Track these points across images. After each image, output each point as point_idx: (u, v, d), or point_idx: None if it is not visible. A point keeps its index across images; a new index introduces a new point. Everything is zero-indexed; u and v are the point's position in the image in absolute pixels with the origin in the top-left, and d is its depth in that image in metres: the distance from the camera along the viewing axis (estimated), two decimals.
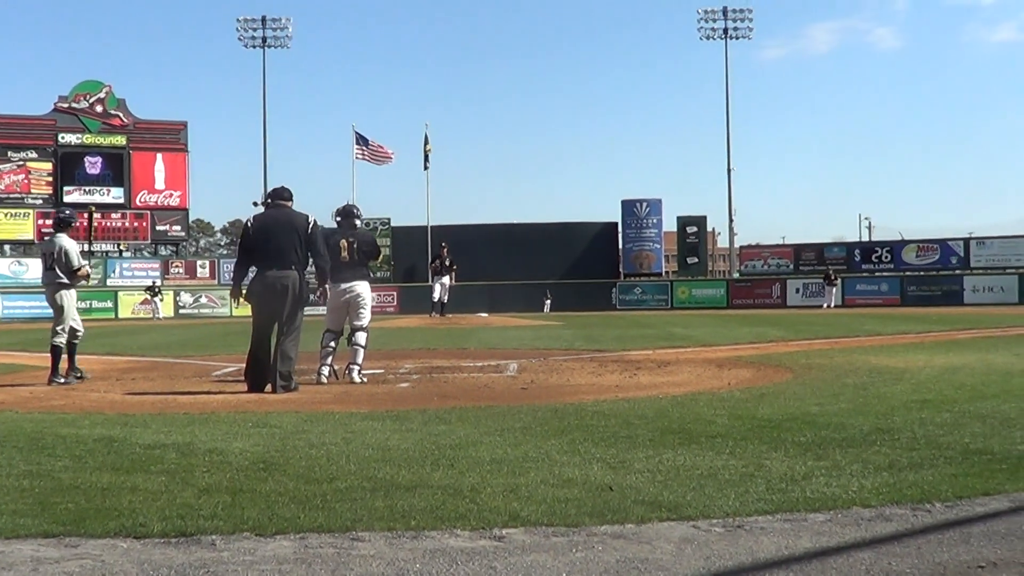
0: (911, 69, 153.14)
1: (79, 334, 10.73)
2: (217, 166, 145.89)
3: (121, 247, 47.46)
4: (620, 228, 48.11)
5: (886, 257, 45.27)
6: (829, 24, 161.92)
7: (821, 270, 43.60)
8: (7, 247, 46.49)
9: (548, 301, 42.85)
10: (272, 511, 4.25)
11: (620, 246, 48.15)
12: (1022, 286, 40.76)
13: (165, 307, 42.90)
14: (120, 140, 47.41)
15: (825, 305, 39.96)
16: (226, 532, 3.96)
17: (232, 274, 9.99)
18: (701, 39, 51.32)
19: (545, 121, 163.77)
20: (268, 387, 9.08)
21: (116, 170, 47.22)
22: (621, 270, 48.04)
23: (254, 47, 51.61)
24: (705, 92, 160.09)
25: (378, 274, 41.74)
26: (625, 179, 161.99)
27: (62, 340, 10.49)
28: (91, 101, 47.03)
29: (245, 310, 9.69)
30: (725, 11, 50.75)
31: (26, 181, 46.10)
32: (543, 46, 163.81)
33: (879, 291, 43.04)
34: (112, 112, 47.36)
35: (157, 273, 45.78)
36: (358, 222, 10.63)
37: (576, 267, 46.37)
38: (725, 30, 50.83)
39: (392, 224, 47.28)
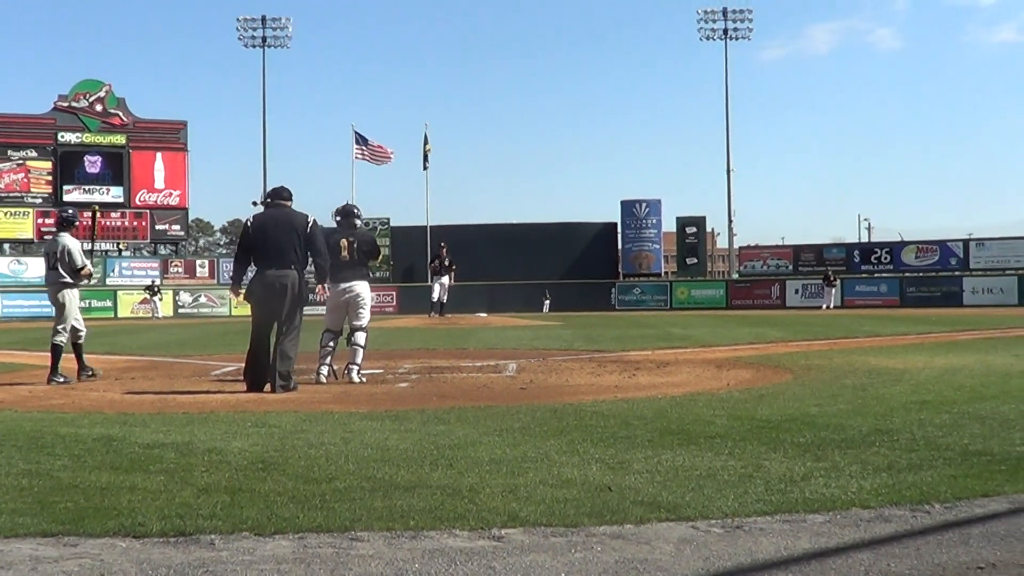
0: (911, 70, 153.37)
1: (80, 334, 10.74)
2: (217, 166, 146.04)
3: (120, 246, 47.44)
4: (619, 228, 48.10)
5: (885, 258, 45.28)
6: (829, 24, 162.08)
7: (820, 271, 43.60)
8: (7, 246, 46.43)
9: (547, 301, 42.85)
10: (271, 511, 4.25)
11: (619, 246, 48.15)
12: (1021, 287, 40.77)
13: (164, 306, 42.87)
14: (120, 139, 47.38)
15: (824, 306, 39.97)
16: (225, 532, 3.96)
17: (231, 273, 10.00)
18: (701, 39, 51.40)
19: (545, 121, 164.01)
20: (267, 387, 9.08)
21: (116, 169, 47.18)
22: (620, 270, 48.04)
23: (254, 47, 51.65)
24: (705, 92, 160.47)
25: (377, 274, 41.72)
26: (624, 179, 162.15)
27: (63, 339, 10.50)
28: (91, 100, 47.00)
29: (244, 310, 9.70)
30: (725, 12, 50.76)
31: (26, 180, 46.07)
32: (543, 46, 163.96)
33: (878, 292, 43.05)
34: (112, 111, 47.32)
35: (156, 272, 45.76)
36: (358, 222, 10.64)
37: (575, 267, 46.37)
38: (725, 31, 50.84)
39: (391, 224, 47.28)
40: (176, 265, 46.98)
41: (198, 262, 48.41)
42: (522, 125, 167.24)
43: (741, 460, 5.33)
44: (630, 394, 8.65)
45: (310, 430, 6.55)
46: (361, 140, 46.44)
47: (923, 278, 43.64)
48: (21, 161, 46.01)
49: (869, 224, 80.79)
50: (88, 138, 46.90)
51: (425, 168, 47.95)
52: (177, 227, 48.71)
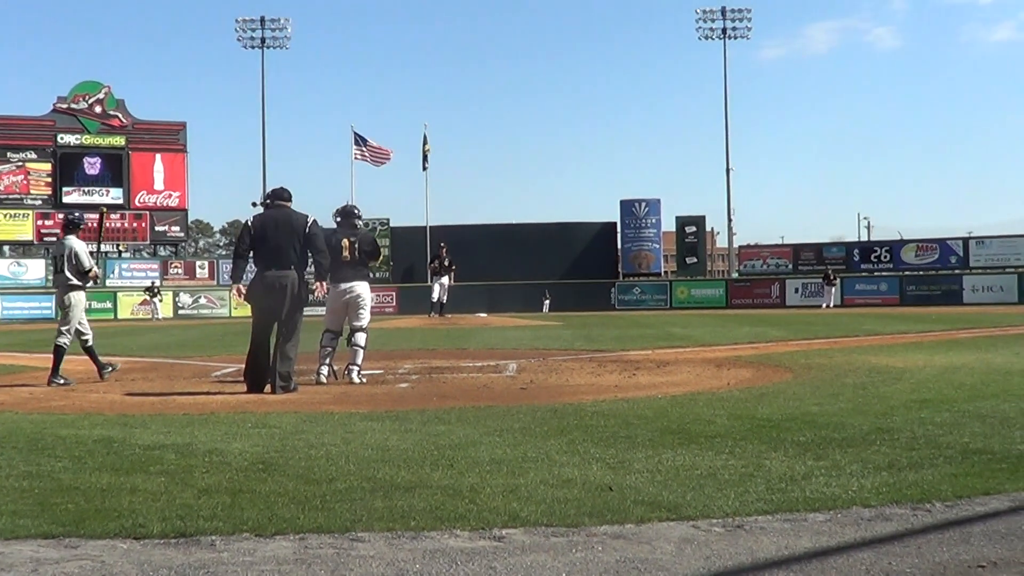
0: (910, 69, 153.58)
1: (87, 336, 10.73)
2: (216, 167, 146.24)
3: (120, 247, 47.42)
4: (619, 228, 48.06)
5: (885, 257, 45.25)
6: (828, 24, 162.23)
7: (820, 270, 43.57)
8: (6, 248, 46.44)
9: (547, 301, 42.84)
10: (272, 512, 4.25)
11: (619, 246, 48.11)
12: (1021, 285, 40.75)
13: (164, 308, 42.85)
14: (119, 141, 47.36)
15: (824, 305, 39.96)
16: (226, 533, 3.96)
17: (230, 272, 9.99)
18: (700, 39, 51.33)
19: (544, 121, 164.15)
20: (267, 388, 9.08)
21: (115, 171, 47.16)
22: (620, 270, 48.01)
23: (253, 48, 51.62)
24: (704, 92, 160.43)
25: (377, 275, 41.72)
26: (624, 179, 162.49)
27: (66, 341, 10.52)
28: (90, 102, 46.97)
29: (244, 311, 9.70)
30: (723, 11, 50.72)
31: (25, 182, 46.04)
32: (542, 46, 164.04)
33: (878, 291, 43.02)
34: (111, 113, 47.30)
35: (156, 274, 45.74)
36: (358, 222, 10.64)
37: (575, 267, 46.34)
38: (724, 30, 50.81)
39: (391, 224, 47.27)
40: (176, 266, 46.96)
41: (198, 263, 48.38)
42: (522, 125, 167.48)
43: (742, 459, 5.33)
44: (630, 394, 8.65)
45: (310, 431, 6.55)
46: (360, 140, 46.44)
47: (923, 276, 43.62)
48: (20, 163, 45.98)
49: (869, 223, 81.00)
50: (87, 140, 46.89)
51: (424, 168, 47.99)
52: (177, 228, 48.70)
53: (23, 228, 45.88)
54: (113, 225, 46.07)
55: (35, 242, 46.02)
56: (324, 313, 10.35)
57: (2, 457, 5.61)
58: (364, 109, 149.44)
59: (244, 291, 9.39)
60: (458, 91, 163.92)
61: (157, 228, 47.78)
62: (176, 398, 8.97)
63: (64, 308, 10.69)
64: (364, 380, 9.99)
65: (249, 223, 9.61)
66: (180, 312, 44.07)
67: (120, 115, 47.48)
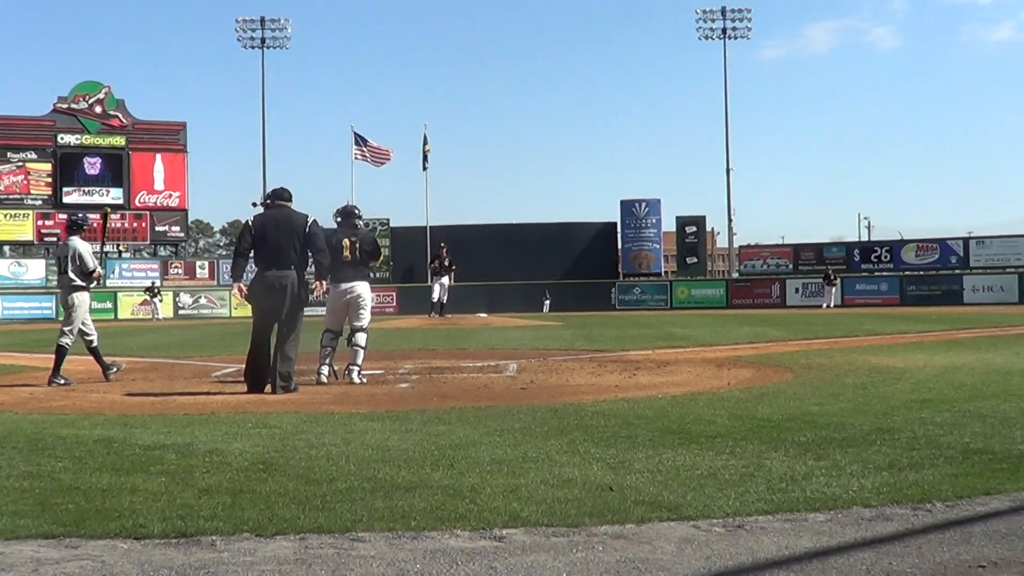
0: (910, 69, 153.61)
1: (91, 337, 10.73)
2: (216, 167, 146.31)
3: (120, 248, 47.43)
4: (619, 228, 48.06)
5: (885, 257, 45.25)
6: (828, 24, 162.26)
7: (820, 270, 43.58)
8: (7, 248, 46.45)
9: (547, 301, 42.83)
10: (272, 512, 4.25)
11: (619, 246, 48.12)
12: (1022, 285, 40.74)
13: (164, 308, 42.87)
14: (119, 141, 47.38)
15: (824, 305, 39.96)
16: (226, 533, 3.96)
17: (231, 272, 9.99)
18: (700, 39, 51.35)
19: (544, 121, 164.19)
20: (268, 388, 9.08)
21: (115, 171, 47.17)
22: (620, 270, 48.02)
23: (253, 48, 51.64)
24: (704, 92, 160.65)
25: (377, 275, 41.71)
26: (624, 179, 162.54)
27: (68, 341, 10.53)
28: (90, 102, 46.99)
29: (244, 311, 9.71)
30: (724, 11, 50.73)
31: (25, 182, 46.06)
32: (542, 46, 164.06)
33: (878, 291, 43.02)
34: (111, 113, 47.32)
35: (156, 274, 45.75)
36: (359, 222, 10.64)
37: (575, 267, 46.34)
38: (724, 30, 50.82)
39: (391, 224, 47.27)
40: (176, 266, 46.97)
41: (198, 263, 48.39)
42: (521, 125, 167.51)
43: (742, 459, 5.33)
44: (631, 394, 8.65)
45: (311, 431, 6.55)
46: (360, 141, 46.43)
47: (923, 276, 43.62)
48: (21, 163, 46.00)
49: (869, 223, 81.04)
50: (87, 140, 46.91)
51: (425, 168, 47.97)
52: (177, 228, 48.72)
53: (23, 228, 45.89)
54: (113, 225, 46.08)
55: (35, 242, 46.05)
56: (324, 313, 10.36)
57: (2, 457, 5.61)
58: (364, 109, 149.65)
59: (245, 290, 9.39)
60: (458, 91, 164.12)
61: (157, 228, 47.81)
62: (176, 398, 8.97)
63: (67, 308, 10.70)
64: (364, 380, 9.99)
65: (250, 223, 9.62)
66: (180, 312, 44.08)
67: (120, 115, 47.50)
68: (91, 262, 10.70)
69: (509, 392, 9.11)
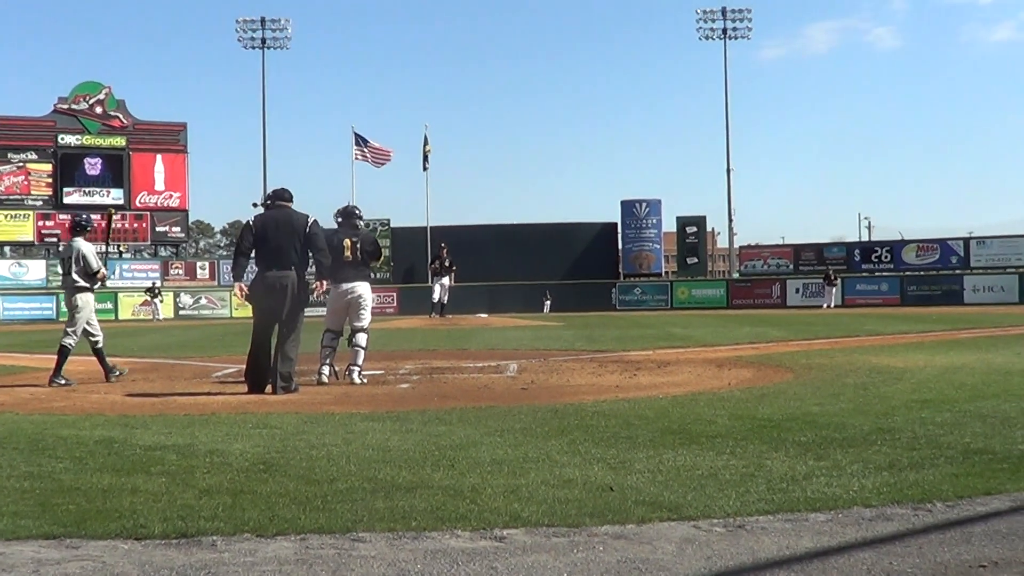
0: (910, 69, 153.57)
1: (96, 338, 10.72)
2: (217, 167, 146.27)
3: (121, 248, 47.44)
4: (619, 228, 48.10)
5: (886, 257, 45.25)
6: (828, 24, 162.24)
7: (821, 270, 43.58)
8: (7, 249, 46.46)
9: (548, 302, 42.83)
10: (273, 512, 4.25)
11: (620, 246, 48.14)
12: (1022, 285, 40.73)
13: (165, 308, 42.90)
14: (120, 141, 47.40)
15: (825, 305, 39.95)
16: (227, 533, 3.96)
17: (232, 272, 9.99)
18: (700, 39, 51.45)
19: (544, 121, 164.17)
20: (268, 388, 9.08)
21: (116, 171, 47.20)
22: (621, 270, 48.04)
23: (253, 48, 51.71)
24: (704, 92, 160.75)
25: (377, 275, 41.71)
26: (624, 179, 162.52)
27: (71, 341, 10.53)
28: (91, 102, 47.02)
29: (245, 311, 9.71)
30: (724, 11, 50.79)
31: (26, 183, 46.08)
32: (542, 46, 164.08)
33: (879, 291, 43.02)
34: (112, 113, 47.35)
35: (157, 274, 45.78)
36: (359, 223, 10.64)
37: (576, 268, 46.35)
38: (724, 30, 50.86)
39: (392, 225, 47.28)
40: (176, 267, 47.00)
41: (198, 264, 48.42)
42: (522, 125, 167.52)
43: (743, 459, 5.33)
44: (631, 394, 8.65)
45: (311, 431, 6.55)
46: (361, 141, 46.45)
47: (924, 277, 43.63)
48: (21, 164, 46.02)
49: (869, 223, 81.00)
50: (88, 140, 46.93)
51: (425, 169, 47.99)
52: (177, 229, 48.75)
53: (24, 229, 45.91)
54: (114, 225, 46.10)
55: (36, 243, 46.08)
56: (324, 313, 10.36)
57: (3, 458, 5.62)
58: (364, 109, 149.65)
59: (246, 290, 9.39)
60: (458, 91, 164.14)
61: (158, 229, 47.83)
62: (177, 399, 8.97)
63: (71, 310, 10.71)
64: (365, 381, 9.99)
65: (250, 223, 9.63)
66: (181, 313, 44.10)
67: (121, 115, 47.52)
68: (95, 263, 10.71)
69: (510, 392, 9.11)
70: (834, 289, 41.25)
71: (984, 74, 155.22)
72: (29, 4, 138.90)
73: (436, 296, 29.23)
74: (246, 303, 9.62)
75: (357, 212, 10.68)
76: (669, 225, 48.74)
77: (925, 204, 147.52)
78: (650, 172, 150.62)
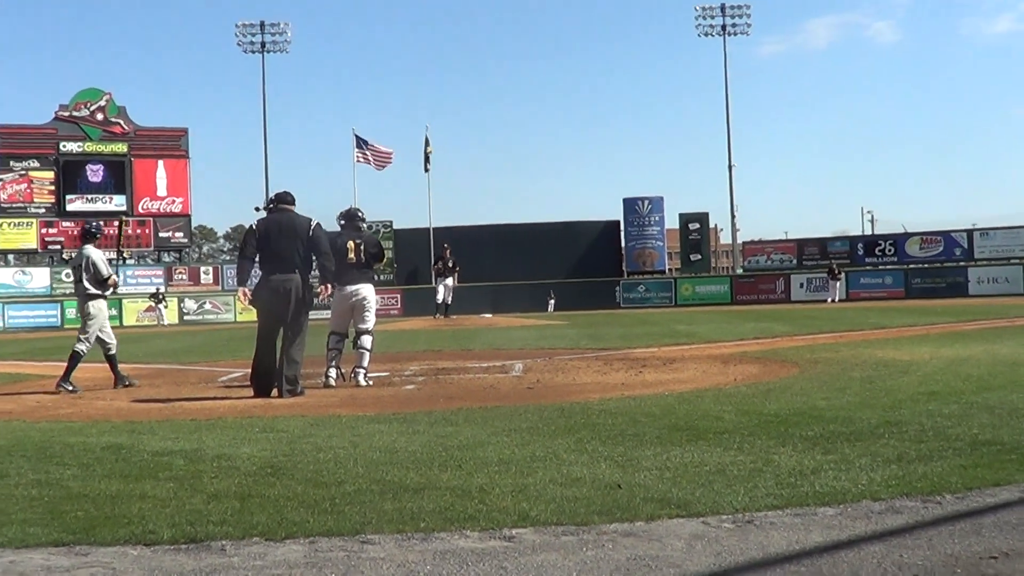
0: (911, 62, 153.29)
1: (110, 345, 10.74)
2: (219, 172, 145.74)
3: (125, 254, 47.47)
4: (622, 226, 48.02)
5: (890, 250, 45.18)
6: (827, 19, 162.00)
7: (825, 264, 43.55)
8: (11, 257, 46.53)
9: (552, 301, 42.81)
10: (281, 515, 4.25)
11: (623, 244, 48.07)
12: None
13: (169, 314, 42.95)
14: (121, 148, 47.44)
15: (829, 299, 39.90)
16: (235, 537, 3.96)
17: (236, 276, 10.00)
18: (699, 36, 51.38)
19: (545, 121, 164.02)
20: (274, 392, 9.09)
21: (118, 178, 47.25)
22: (624, 268, 47.98)
23: (253, 52, 51.78)
24: (704, 89, 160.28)
25: (381, 277, 41.72)
26: (626, 177, 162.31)
27: (84, 348, 10.56)
28: (92, 109, 47.07)
29: (250, 315, 9.71)
30: (723, 7, 50.73)
31: (28, 190, 46.15)
32: (542, 46, 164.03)
33: (883, 284, 42.98)
34: (113, 120, 47.40)
35: (161, 280, 45.81)
36: (362, 225, 10.66)
37: (579, 266, 46.31)
38: (723, 26, 50.81)
39: (394, 227, 47.27)
40: (180, 272, 47.04)
41: (202, 269, 48.45)
42: (523, 125, 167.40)
43: (750, 455, 5.32)
44: (637, 391, 8.65)
45: (318, 434, 6.55)
46: (362, 143, 46.46)
47: (928, 269, 43.57)
48: (24, 171, 46.08)
49: (872, 216, 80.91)
50: (90, 147, 46.97)
51: (427, 170, 47.95)
52: (180, 234, 48.79)
53: (27, 236, 45.99)
54: (126, 231, 46.15)
55: (39, 250, 46.17)
56: (329, 316, 10.37)
57: (11, 466, 5.62)
58: (365, 112, 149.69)
59: (250, 294, 9.39)
60: (459, 92, 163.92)
61: (161, 234, 47.87)
62: (183, 404, 8.98)
63: (84, 317, 10.73)
64: (370, 383, 10.00)
65: (254, 227, 9.64)
66: (185, 318, 44.12)
67: (122, 122, 47.57)
68: (105, 269, 10.73)
69: (515, 392, 9.11)
70: (838, 283, 41.19)
71: (985, 66, 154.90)
72: (30, 12, 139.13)
73: (440, 297, 29.24)
74: (250, 307, 9.63)
75: (360, 214, 10.68)
76: (672, 222, 48.69)
77: (928, 197, 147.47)
78: (652, 169, 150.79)
